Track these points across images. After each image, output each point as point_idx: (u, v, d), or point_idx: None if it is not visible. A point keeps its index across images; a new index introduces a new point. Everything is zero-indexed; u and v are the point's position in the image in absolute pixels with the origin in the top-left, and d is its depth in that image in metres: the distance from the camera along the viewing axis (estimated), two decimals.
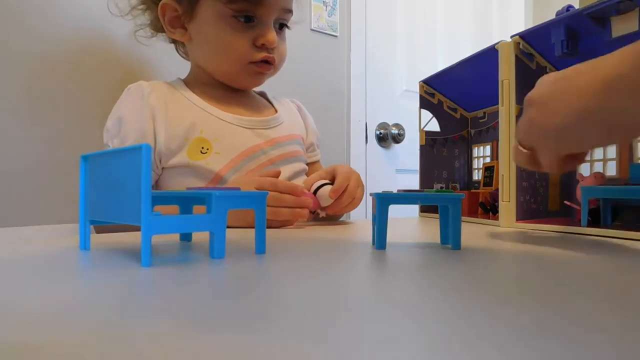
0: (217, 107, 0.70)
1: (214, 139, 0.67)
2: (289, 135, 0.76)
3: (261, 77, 0.72)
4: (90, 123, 0.83)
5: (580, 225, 0.48)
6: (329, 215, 0.65)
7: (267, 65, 0.70)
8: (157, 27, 0.75)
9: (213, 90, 0.72)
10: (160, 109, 0.66)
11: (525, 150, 0.38)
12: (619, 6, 0.46)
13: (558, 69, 0.60)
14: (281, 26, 0.71)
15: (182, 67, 0.79)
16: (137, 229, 0.27)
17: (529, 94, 0.37)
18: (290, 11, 0.71)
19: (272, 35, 0.67)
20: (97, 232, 0.57)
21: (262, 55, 0.68)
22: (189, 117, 0.67)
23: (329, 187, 0.59)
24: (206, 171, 0.66)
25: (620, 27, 0.47)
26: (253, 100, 0.78)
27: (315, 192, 0.60)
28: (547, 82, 0.35)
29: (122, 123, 0.65)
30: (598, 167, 0.57)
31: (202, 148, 0.66)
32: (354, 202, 0.63)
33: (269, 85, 0.85)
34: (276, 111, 0.78)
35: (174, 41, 0.78)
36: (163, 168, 0.67)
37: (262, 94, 0.83)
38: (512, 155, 0.41)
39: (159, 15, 0.69)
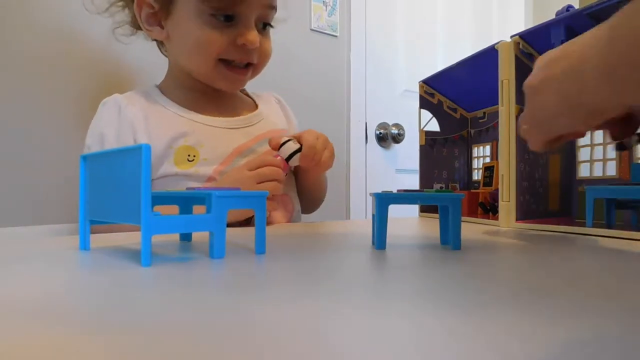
0: (198, 112, 0.68)
1: (199, 146, 0.65)
2: (273, 130, 0.74)
3: (239, 82, 0.70)
4: (90, 123, 0.83)
5: (580, 226, 0.48)
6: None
7: (244, 69, 0.68)
8: (136, 25, 0.72)
9: (191, 93, 0.70)
10: (140, 122, 0.65)
11: (524, 127, 0.40)
12: (619, 6, 0.46)
13: None
14: (265, 25, 0.68)
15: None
16: (137, 229, 0.27)
17: (526, 80, 0.38)
18: (273, 8, 0.67)
19: (252, 35, 0.63)
20: (92, 232, 0.56)
21: (242, 57, 0.65)
22: (170, 126, 0.65)
23: (290, 143, 0.62)
24: (197, 177, 0.65)
25: None
26: (232, 98, 0.76)
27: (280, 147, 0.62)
28: (539, 67, 0.37)
29: (104, 139, 0.63)
30: (598, 168, 0.57)
31: (189, 156, 0.65)
32: (322, 164, 0.67)
33: (268, 85, 0.85)
34: (257, 106, 0.77)
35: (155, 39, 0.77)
36: (153, 180, 0.66)
37: (242, 90, 0.81)
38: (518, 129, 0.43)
39: (135, 12, 0.66)
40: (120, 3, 0.72)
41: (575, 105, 0.33)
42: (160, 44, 0.77)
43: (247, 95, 0.81)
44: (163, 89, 0.72)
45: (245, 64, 0.67)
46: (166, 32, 0.67)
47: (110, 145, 0.63)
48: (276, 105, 0.82)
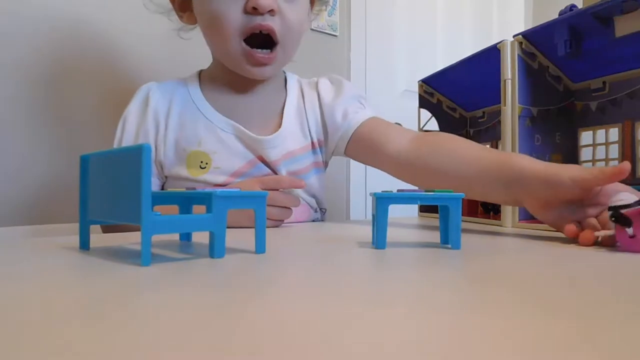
0: (220, 112, 0.65)
1: (213, 152, 0.63)
2: (292, 151, 0.67)
3: (262, 68, 0.63)
4: (90, 123, 0.83)
5: None
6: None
7: (268, 55, 0.61)
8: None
9: (222, 84, 0.68)
10: (163, 114, 0.64)
11: None
12: (623, 6, 0.46)
13: (560, 69, 0.60)
14: None
15: (190, 68, 0.79)
16: (139, 228, 0.27)
17: None
18: None
19: None
20: (104, 231, 0.56)
21: (255, 23, 0.58)
22: (190, 126, 0.64)
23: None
24: (209, 184, 0.63)
25: (624, 26, 0.47)
26: (265, 99, 0.69)
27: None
28: None
29: (125, 125, 0.64)
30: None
31: (201, 162, 0.64)
32: None
33: None
34: (280, 125, 0.67)
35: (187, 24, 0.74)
36: (166, 177, 0.65)
37: (285, 80, 0.75)
38: None
39: (170, 2, 0.67)
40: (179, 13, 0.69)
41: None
42: None
43: (285, 86, 0.74)
44: (202, 76, 0.70)
45: (270, 48, 0.61)
46: (194, 15, 0.65)
47: (129, 132, 0.64)
48: (310, 110, 0.71)
